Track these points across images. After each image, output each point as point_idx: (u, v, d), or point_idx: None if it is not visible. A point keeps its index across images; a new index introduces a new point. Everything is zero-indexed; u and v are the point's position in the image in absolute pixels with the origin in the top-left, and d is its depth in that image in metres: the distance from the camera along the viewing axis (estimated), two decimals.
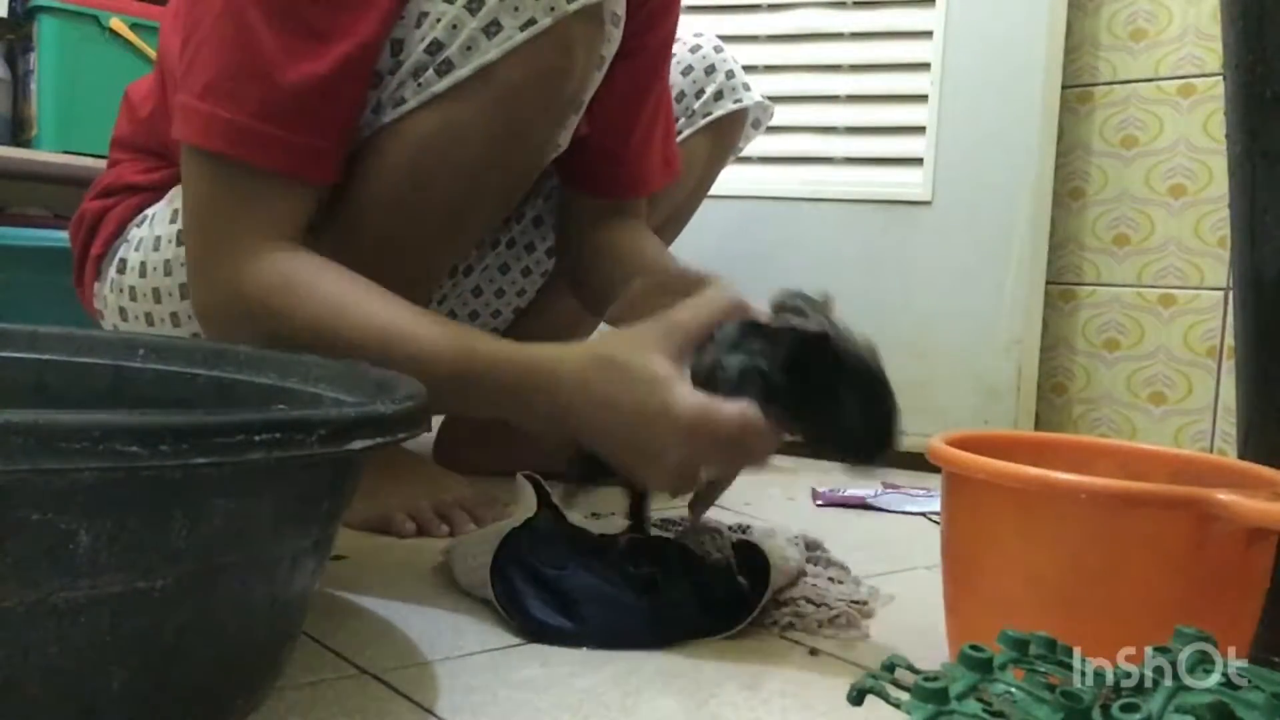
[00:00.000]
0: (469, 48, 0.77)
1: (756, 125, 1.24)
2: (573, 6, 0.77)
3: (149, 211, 0.96)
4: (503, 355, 0.72)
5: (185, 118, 0.76)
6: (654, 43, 1.02)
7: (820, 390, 0.64)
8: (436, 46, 0.77)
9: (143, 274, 0.94)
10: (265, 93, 0.74)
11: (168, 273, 0.92)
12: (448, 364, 0.71)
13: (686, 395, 0.66)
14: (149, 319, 0.95)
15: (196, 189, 0.78)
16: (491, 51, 0.77)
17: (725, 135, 1.19)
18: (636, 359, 0.68)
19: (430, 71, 0.78)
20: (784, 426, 0.67)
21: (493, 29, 0.77)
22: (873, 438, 0.65)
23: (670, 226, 1.20)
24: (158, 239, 0.93)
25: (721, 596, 0.68)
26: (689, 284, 0.74)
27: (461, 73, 0.77)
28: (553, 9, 0.76)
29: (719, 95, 1.16)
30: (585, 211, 1.05)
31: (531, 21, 0.76)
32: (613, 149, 1.01)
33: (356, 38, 0.75)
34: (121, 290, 0.96)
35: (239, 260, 0.75)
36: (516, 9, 0.76)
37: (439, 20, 0.77)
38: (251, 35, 0.73)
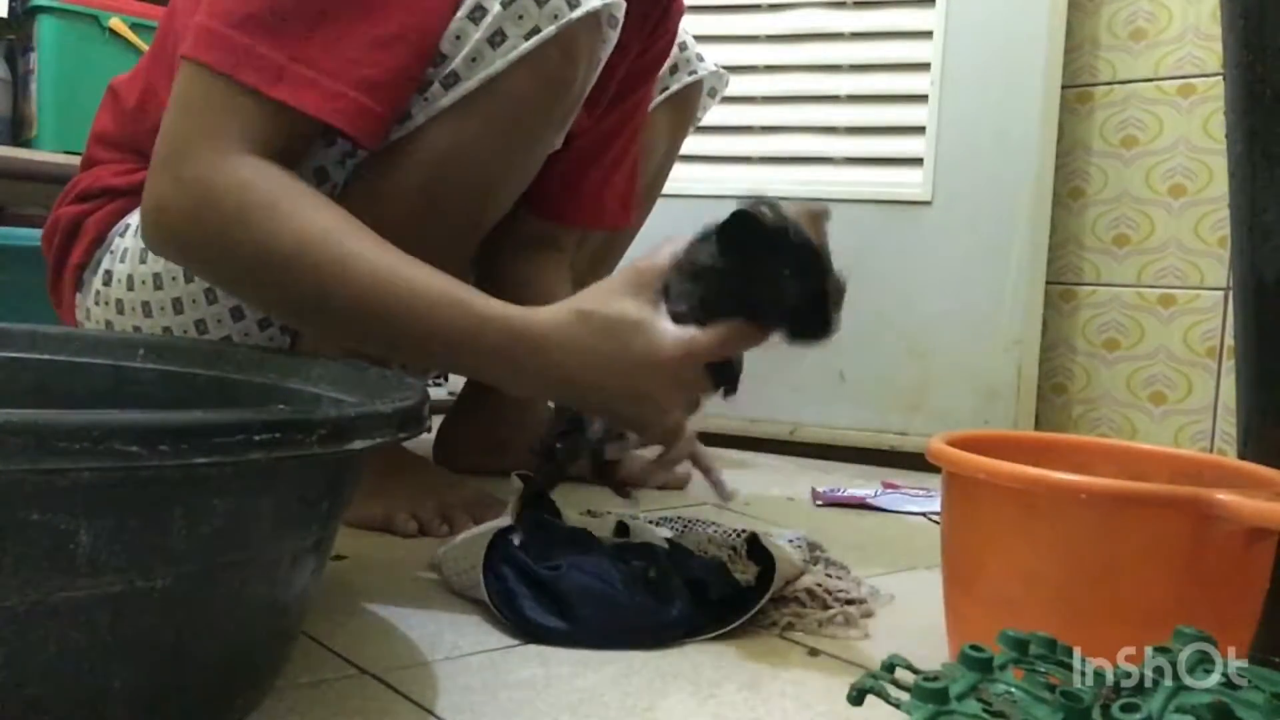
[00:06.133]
0: (474, 59, 0.76)
1: (713, 94, 1.24)
2: (576, 14, 0.76)
3: (130, 220, 0.91)
4: (493, 314, 0.70)
5: (212, 42, 0.70)
6: (646, 89, 1.03)
7: (759, 269, 0.65)
8: (440, 58, 0.77)
9: (130, 287, 0.90)
10: (316, 36, 0.69)
11: (158, 286, 0.88)
12: (443, 316, 0.69)
13: (666, 333, 0.68)
14: (138, 333, 0.90)
15: (189, 92, 0.71)
16: (497, 62, 0.76)
17: (684, 107, 1.19)
18: (613, 308, 0.70)
19: (436, 85, 0.77)
20: (744, 320, 0.67)
21: (497, 39, 0.76)
22: (810, 308, 0.65)
23: (642, 202, 1.21)
24: (143, 250, 0.89)
25: (717, 597, 0.68)
26: None
27: (468, 85, 0.77)
28: (557, 16, 0.76)
29: (674, 69, 1.16)
30: (521, 231, 1.04)
31: (536, 30, 0.76)
32: (577, 179, 1.02)
33: (422, 12, 0.74)
34: (108, 303, 0.92)
35: (221, 157, 0.69)
36: (520, 17, 0.76)
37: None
38: None
